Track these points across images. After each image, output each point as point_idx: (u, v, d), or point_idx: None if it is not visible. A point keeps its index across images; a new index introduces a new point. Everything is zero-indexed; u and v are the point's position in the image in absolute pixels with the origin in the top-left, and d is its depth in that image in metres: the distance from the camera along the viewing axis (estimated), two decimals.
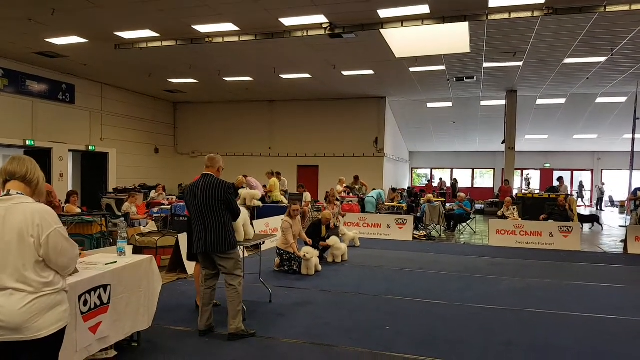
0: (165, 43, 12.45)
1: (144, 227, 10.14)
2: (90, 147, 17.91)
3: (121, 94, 19.51)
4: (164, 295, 5.52)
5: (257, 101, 21.62)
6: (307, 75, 16.34)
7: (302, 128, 21.17)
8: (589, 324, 5.35)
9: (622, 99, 18.84)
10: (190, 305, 5.76)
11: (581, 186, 25.29)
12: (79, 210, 9.70)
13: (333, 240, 8.89)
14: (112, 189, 17.65)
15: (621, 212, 21.49)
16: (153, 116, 21.60)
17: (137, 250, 7.17)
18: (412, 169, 30.84)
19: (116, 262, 4.04)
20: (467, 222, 14.55)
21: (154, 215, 11.09)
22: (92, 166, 18.63)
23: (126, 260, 4.15)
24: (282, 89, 18.77)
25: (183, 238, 7.54)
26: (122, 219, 10.31)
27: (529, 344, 4.65)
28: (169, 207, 10.85)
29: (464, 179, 29.80)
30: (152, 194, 15.13)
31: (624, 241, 11.17)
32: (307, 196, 15.71)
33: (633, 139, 15.05)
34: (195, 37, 12.12)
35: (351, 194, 15.98)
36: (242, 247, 5.17)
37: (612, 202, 26.93)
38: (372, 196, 15.55)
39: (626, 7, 9.38)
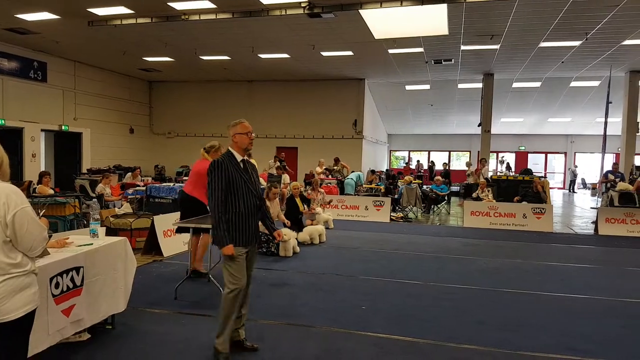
0: (140, 20, 12.12)
1: (119, 208, 9.99)
2: (63, 127, 17.45)
3: (95, 72, 18.98)
4: (139, 277, 5.48)
5: (235, 81, 21.32)
6: (286, 56, 16.15)
7: (281, 109, 21.00)
8: (560, 303, 5.52)
9: (596, 83, 19.21)
10: (166, 287, 5.72)
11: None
12: (51, 192, 9.51)
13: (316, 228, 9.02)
14: (86, 169, 17.31)
15: (593, 195, 22.07)
16: (128, 95, 21.12)
17: (111, 232, 7.09)
18: (390, 151, 31.02)
19: (92, 244, 3.98)
20: (442, 203, 14.80)
21: (129, 197, 10.93)
22: (65, 146, 18.19)
23: (100, 242, 4.09)
24: (260, 69, 18.53)
25: (158, 220, 7.48)
26: (95, 200, 10.13)
27: (502, 323, 4.78)
28: (144, 188, 10.68)
29: (441, 161, 30.10)
30: (128, 177, 14.87)
31: (595, 222, 11.51)
32: (286, 178, 15.72)
33: (605, 123, 15.40)
34: (171, 14, 11.83)
35: (330, 176, 16.04)
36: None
37: (584, 185, 27.64)
38: (352, 178, 15.65)
39: None
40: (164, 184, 11.50)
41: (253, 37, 13.91)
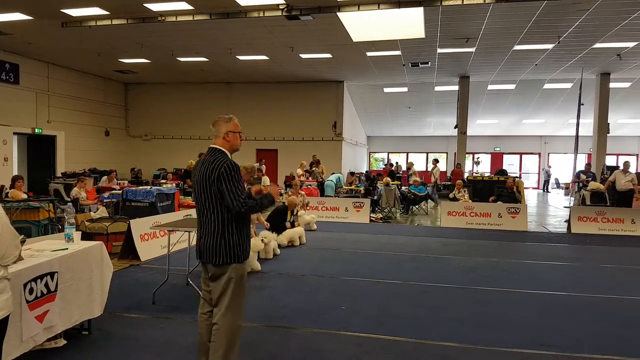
0: (115, 21, 11.96)
1: (94, 212, 9.81)
2: (36, 130, 17.05)
3: (69, 74, 18.63)
4: (116, 282, 5.41)
5: (213, 82, 21.18)
6: (264, 57, 16.12)
7: (260, 111, 20.94)
8: (535, 300, 5.64)
9: (568, 85, 19.70)
10: (144, 291, 5.64)
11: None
12: (24, 196, 9.28)
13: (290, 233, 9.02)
14: (61, 173, 16.97)
15: (566, 194, 22.61)
16: (103, 97, 20.78)
17: (87, 237, 6.97)
18: (369, 153, 31.23)
19: (67, 248, 3.91)
20: (421, 203, 14.97)
21: (105, 201, 10.73)
22: (39, 150, 17.77)
23: (75, 246, 4.02)
24: (239, 71, 18.46)
25: (135, 224, 7.38)
26: (70, 204, 9.94)
27: (479, 320, 4.86)
28: (120, 192, 10.52)
29: (419, 162, 30.46)
30: (103, 181, 14.61)
31: (568, 221, 11.79)
32: (266, 180, 15.69)
33: (577, 124, 15.78)
34: (147, 16, 11.70)
35: (310, 178, 16.06)
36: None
37: (557, 184, 28.29)
38: (332, 180, 15.70)
39: None
40: (141, 187, 11.33)
41: (231, 38, 13.85)
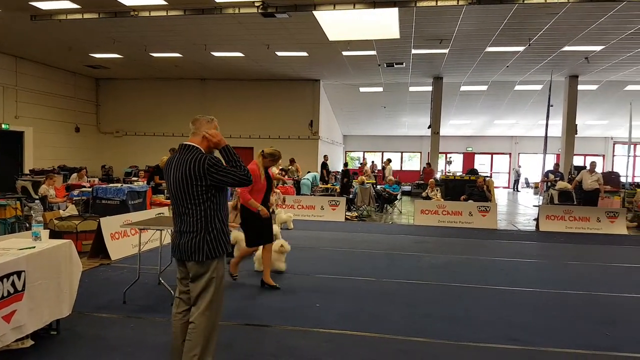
0: (86, 15, 11.69)
1: (63, 210, 9.59)
2: (3, 126, 16.54)
3: (38, 68, 18.11)
4: (85, 281, 5.32)
5: (188, 79, 20.92)
6: (240, 54, 16.02)
7: (236, 108, 20.79)
8: (504, 296, 5.80)
9: (538, 87, 20.22)
10: (114, 291, 5.55)
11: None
12: None
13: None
14: (29, 170, 16.49)
15: (535, 193, 23.20)
16: (74, 93, 20.27)
17: (56, 235, 6.82)
18: (346, 152, 31.37)
19: (34, 247, 3.82)
20: (395, 202, 15.13)
21: (74, 199, 10.50)
22: (6, 146, 17.20)
23: (43, 245, 3.93)
24: (214, 67, 18.29)
25: (105, 222, 7.25)
26: (38, 202, 9.68)
27: (448, 315, 4.97)
28: (90, 189, 10.30)
29: (393, 162, 30.74)
30: (73, 178, 14.28)
31: (537, 219, 12.11)
32: None
33: (547, 125, 16.21)
34: (119, 10, 11.48)
35: (286, 176, 16.04)
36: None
37: (527, 184, 29.01)
38: (308, 179, 15.73)
39: (542, 0, 10.03)
40: (112, 184, 11.12)
41: (206, 34, 13.72)
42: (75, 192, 10.78)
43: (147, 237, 6.18)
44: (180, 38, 14.21)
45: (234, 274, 6.15)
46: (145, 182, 12.09)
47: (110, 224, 7.29)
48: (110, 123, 21.94)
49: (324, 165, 18.29)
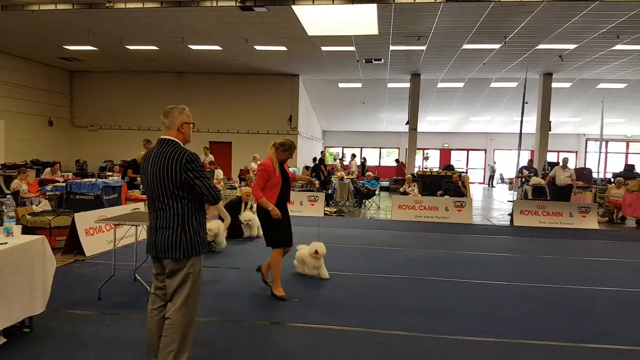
0: (60, 6, 11.38)
1: (36, 206, 9.36)
2: None
3: (10, 60, 17.59)
4: (59, 277, 5.22)
5: (164, 72, 20.61)
6: (217, 48, 15.84)
7: (214, 102, 20.57)
8: (479, 289, 5.91)
9: (513, 84, 20.57)
10: (89, 287, 5.46)
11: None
12: None
13: (249, 215, 8.91)
14: (0, 165, 16.01)
15: (510, 189, 23.66)
16: (47, 85, 19.77)
17: (28, 231, 6.64)
18: (325, 147, 31.39)
19: (6, 243, 3.72)
20: (373, 197, 15.24)
21: (48, 194, 10.25)
22: None
23: (15, 241, 3.84)
24: (191, 60, 18.05)
25: (80, 217, 7.11)
26: (10, 197, 9.42)
27: (426, 309, 5.04)
28: (64, 184, 10.07)
29: (372, 157, 30.98)
30: (46, 173, 13.94)
31: (511, 214, 12.36)
32: (219, 173, 15.47)
33: (521, 122, 16.55)
34: (94, 2, 11.21)
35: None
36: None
37: (502, 179, 29.56)
38: None
39: None
40: (86, 179, 10.89)
41: (183, 27, 13.52)
42: (49, 187, 10.53)
43: (123, 232, 6.08)
44: (157, 31, 13.98)
45: (268, 280, 5.64)
46: (120, 176, 11.89)
47: (84, 220, 7.16)
48: (84, 117, 21.47)
49: (321, 161, 17.96)
